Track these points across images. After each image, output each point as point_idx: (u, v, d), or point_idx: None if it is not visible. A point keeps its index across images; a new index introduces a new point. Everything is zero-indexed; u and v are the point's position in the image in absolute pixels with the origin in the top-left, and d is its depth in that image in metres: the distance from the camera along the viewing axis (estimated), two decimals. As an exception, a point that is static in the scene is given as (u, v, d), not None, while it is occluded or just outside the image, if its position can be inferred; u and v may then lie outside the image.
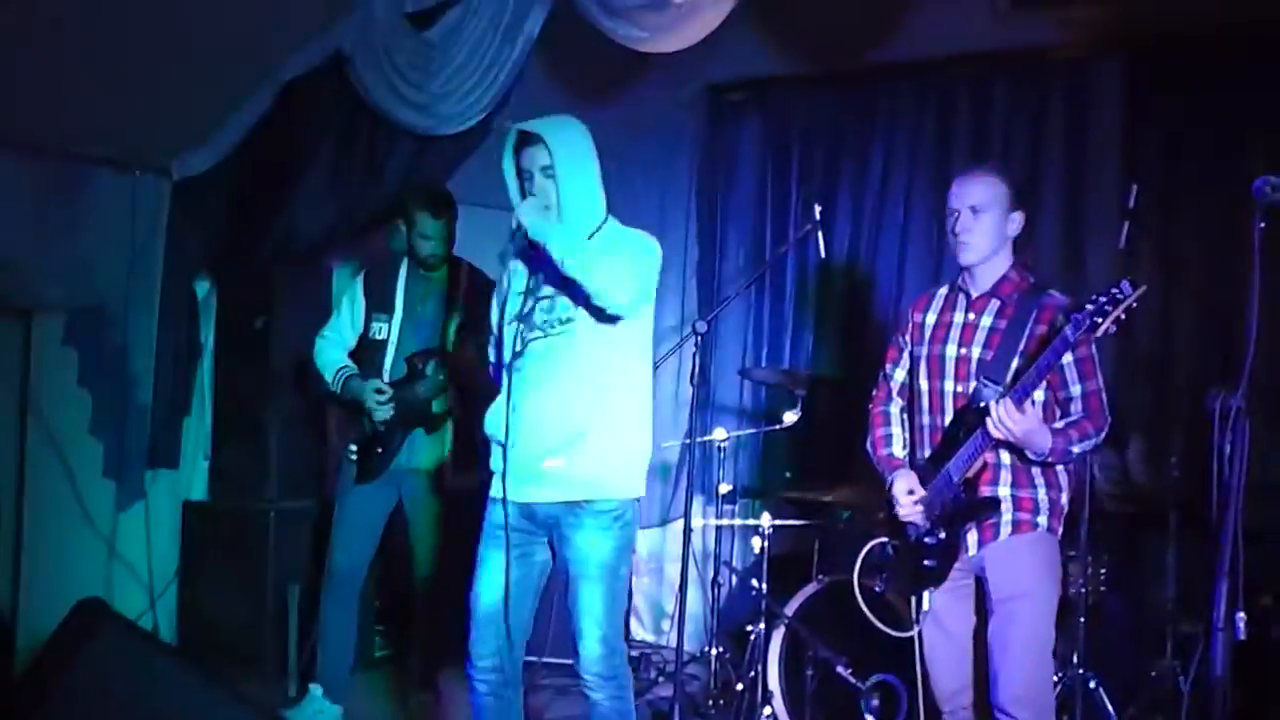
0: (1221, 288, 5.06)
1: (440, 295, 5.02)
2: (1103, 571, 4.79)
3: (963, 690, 3.83)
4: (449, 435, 4.98)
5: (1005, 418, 3.48)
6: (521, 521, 3.69)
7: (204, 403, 5.79)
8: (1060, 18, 5.39)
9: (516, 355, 3.66)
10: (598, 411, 3.63)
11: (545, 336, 3.66)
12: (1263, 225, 2.99)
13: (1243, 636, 3.00)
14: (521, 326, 3.68)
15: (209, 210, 5.50)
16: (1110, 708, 4.50)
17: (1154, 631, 4.80)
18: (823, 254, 5.48)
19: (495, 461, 3.74)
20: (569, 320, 3.63)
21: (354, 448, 4.95)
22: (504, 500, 3.66)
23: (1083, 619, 4.51)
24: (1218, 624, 2.97)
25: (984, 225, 3.70)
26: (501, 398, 3.69)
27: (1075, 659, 4.49)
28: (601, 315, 3.58)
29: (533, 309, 3.67)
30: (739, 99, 6.70)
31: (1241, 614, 2.98)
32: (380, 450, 4.90)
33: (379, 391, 4.85)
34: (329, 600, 4.97)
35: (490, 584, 3.68)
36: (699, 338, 4.63)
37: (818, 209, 5.24)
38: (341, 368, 4.97)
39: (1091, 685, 4.51)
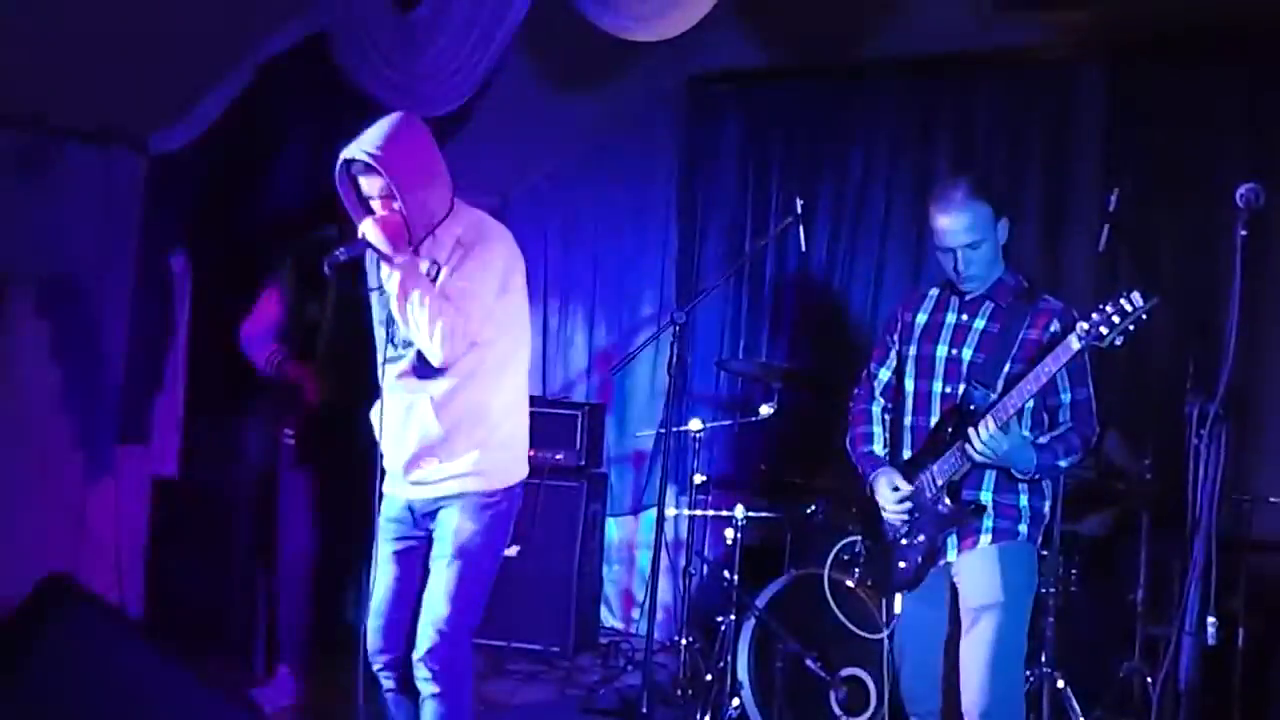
0: (1199, 291, 5.08)
1: None
2: (1073, 571, 4.81)
3: (931, 694, 3.81)
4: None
5: (987, 441, 3.43)
6: (404, 514, 3.69)
7: (177, 379, 5.75)
8: (1044, 20, 5.39)
9: (386, 361, 3.61)
10: (461, 414, 3.57)
11: (405, 348, 3.61)
12: (1244, 233, 2.99)
13: (1213, 641, 3.01)
14: (387, 333, 3.63)
15: (186, 186, 5.45)
16: (1077, 707, 4.52)
17: (1122, 632, 4.82)
18: (803, 247, 5.48)
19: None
20: None
21: (290, 430, 4.96)
22: (377, 497, 3.63)
23: (1051, 618, 4.52)
24: (1189, 628, 2.97)
25: (983, 254, 3.65)
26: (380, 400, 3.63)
27: (1043, 658, 4.50)
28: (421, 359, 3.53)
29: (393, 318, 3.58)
30: (721, 90, 6.67)
31: (1213, 619, 2.99)
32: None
33: None
34: (283, 582, 5.04)
35: (376, 578, 3.68)
36: (677, 328, 4.63)
37: (799, 202, 5.24)
38: (271, 352, 4.96)
39: (1059, 685, 4.52)
